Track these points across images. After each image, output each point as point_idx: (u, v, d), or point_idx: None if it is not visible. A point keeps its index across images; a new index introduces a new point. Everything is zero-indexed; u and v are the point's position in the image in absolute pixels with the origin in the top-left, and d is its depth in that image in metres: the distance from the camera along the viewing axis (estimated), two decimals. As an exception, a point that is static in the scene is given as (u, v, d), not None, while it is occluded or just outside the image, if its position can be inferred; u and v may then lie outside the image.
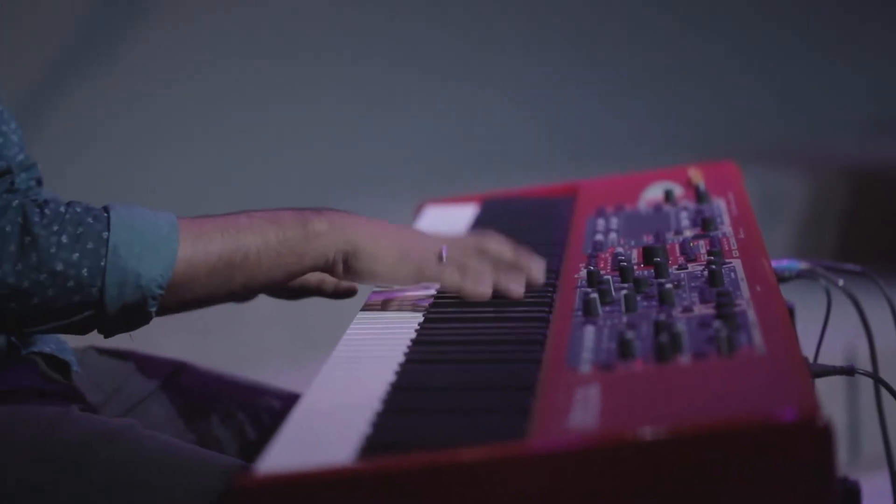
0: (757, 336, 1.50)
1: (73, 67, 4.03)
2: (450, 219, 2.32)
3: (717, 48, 4.90)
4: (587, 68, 4.78)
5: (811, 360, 2.06)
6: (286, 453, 1.38)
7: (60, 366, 1.93)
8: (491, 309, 1.80)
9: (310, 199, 2.17)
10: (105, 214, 1.66)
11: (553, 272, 1.91)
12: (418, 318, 1.78)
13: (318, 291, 2.08)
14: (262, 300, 2.18)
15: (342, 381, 1.58)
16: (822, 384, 1.96)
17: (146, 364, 2.09)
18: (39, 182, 2.06)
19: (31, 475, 1.67)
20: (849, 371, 1.72)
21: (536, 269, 1.84)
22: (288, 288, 2.07)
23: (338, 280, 2.05)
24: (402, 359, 1.63)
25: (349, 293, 2.08)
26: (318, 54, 4.42)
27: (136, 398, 2.03)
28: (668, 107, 4.82)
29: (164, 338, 3.44)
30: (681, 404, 1.36)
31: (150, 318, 1.70)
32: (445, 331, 1.74)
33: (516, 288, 1.81)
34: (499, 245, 1.84)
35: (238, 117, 4.35)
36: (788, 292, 2.15)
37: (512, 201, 2.43)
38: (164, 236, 1.67)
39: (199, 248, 1.70)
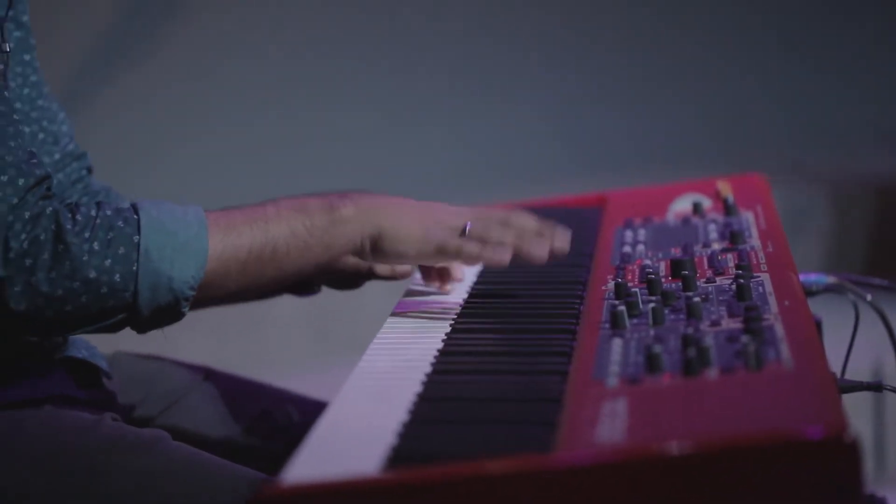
0: (785, 351, 1.49)
1: (92, 65, 4.06)
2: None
3: (745, 61, 4.88)
4: (618, 80, 4.77)
5: (838, 374, 2.06)
6: (312, 463, 1.38)
7: (92, 371, 1.94)
8: (518, 320, 1.80)
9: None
10: (135, 216, 1.66)
11: (580, 284, 1.91)
12: (445, 327, 1.79)
13: (372, 276, 2.06)
14: (286, 303, 2.18)
15: (369, 391, 1.59)
16: (848, 399, 1.95)
17: (173, 370, 2.10)
18: (90, 171, 2.08)
19: (60, 481, 1.69)
20: (876, 387, 1.71)
21: (561, 238, 1.86)
22: (344, 278, 2.05)
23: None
24: (428, 369, 1.63)
25: (405, 275, 2.06)
26: (346, 61, 4.43)
27: (163, 405, 2.03)
28: (697, 119, 4.81)
29: (189, 341, 3.46)
30: (708, 419, 1.36)
31: (183, 316, 1.70)
32: (472, 341, 1.74)
33: (539, 251, 1.82)
34: (523, 217, 1.86)
35: (264, 120, 4.36)
36: (816, 306, 2.15)
37: (540, 211, 2.42)
38: (195, 235, 1.68)
39: (228, 243, 1.70)
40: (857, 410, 3.52)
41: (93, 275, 1.62)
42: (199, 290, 1.68)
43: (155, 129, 4.24)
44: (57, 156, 2.01)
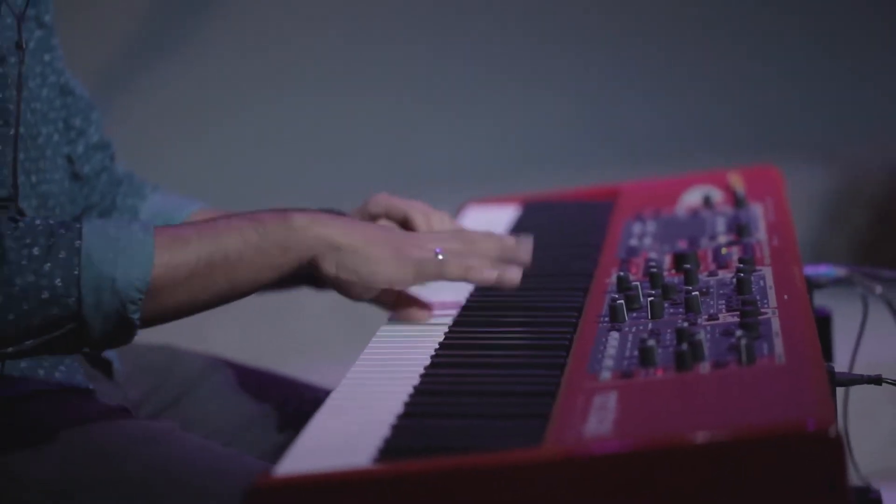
0: (778, 345, 1.50)
1: (104, 66, 4.10)
2: (490, 219, 2.33)
3: (772, 48, 4.86)
4: (641, 69, 4.76)
5: (847, 368, 2.06)
6: (306, 455, 1.41)
7: (103, 364, 1.96)
8: (520, 313, 1.81)
9: (355, 195, 2.19)
10: (77, 225, 1.63)
11: (586, 276, 1.92)
12: (448, 321, 1.80)
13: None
14: (318, 293, 2.19)
15: (368, 385, 1.60)
16: (870, 392, 1.95)
17: (184, 361, 2.11)
18: (112, 158, 2.10)
19: (72, 473, 1.71)
20: (876, 380, 1.71)
21: (524, 250, 1.82)
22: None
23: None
24: (427, 362, 1.65)
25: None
26: (368, 53, 4.45)
27: (173, 396, 2.05)
28: (722, 108, 4.80)
29: (212, 331, 3.49)
30: (695, 413, 1.37)
31: (135, 329, 1.65)
32: (473, 334, 1.75)
33: (512, 276, 1.77)
34: (485, 244, 1.80)
35: (283, 112, 4.39)
36: (827, 299, 2.15)
37: (553, 204, 2.44)
38: (140, 240, 1.64)
39: (176, 250, 1.66)
40: (880, 405, 3.51)
41: (31, 279, 1.59)
42: (148, 298, 1.63)
43: (169, 126, 4.27)
44: (81, 148, 2.04)
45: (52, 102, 1.92)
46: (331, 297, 2.17)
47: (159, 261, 1.64)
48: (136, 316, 1.64)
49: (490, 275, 1.76)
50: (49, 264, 1.60)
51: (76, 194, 2.04)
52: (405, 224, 1.98)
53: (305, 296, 2.17)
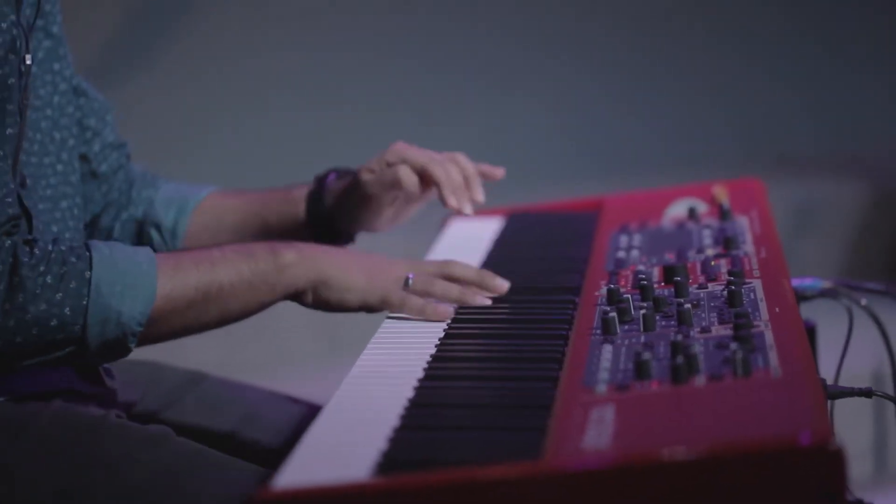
0: (773, 358, 1.50)
1: (101, 66, 4.09)
2: (474, 232, 2.33)
3: (752, 60, 4.88)
4: (625, 81, 4.77)
5: (832, 380, 2.06)
6: (304, 468, 1.40)
7: (92, 371, 1.96)
8: (511, 326, 1.81)
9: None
10: (87, 253, 1.71)
11: (574, 289, 1.92)
12: (439, 333, 1.80)
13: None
14: (295, 305, 2.20)
15: (361, 397, 1.60)
16: (847, 403, 1.96)
17: (166, 374, 2.13)
18: (128, 157, 2.16)
19: (71, 477, 1.71)
20: (867, 393, 1.72)
21: (500, 285, 1.91)
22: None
23: None
24: (420, 375, 1.64)
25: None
26: (352, 60, 4.45)
27: (158, 406, 2.06)
28: (701, 119, 4.81)
29: (192, 344, 3.46)
30: (694, 427, 1.37)
31: (130, 352, 1.75)
32: (465, 347, 1.75)
33: (481, 302, 1.88)
34: (461, 268, 1.91)
35: (279, 116, 4.39)
36: (811, 311, 2.16)
37: (537, 216, 2.44)
38: (144, 273, 1.74)
39: (177, 282, 1.76)
40: (857, 415, 3.52)
41: (43, 307, 1.67)
42: (146, 327, 1.73)
43: (168, 127, 4.27)
44: (97, 147, 2.08)
45: (63, 109, 1.95)
46: (305, 312, 2.18)
47: (161, 292, 1.75)
48: (133, 344, 1.75)
49: (444, 313, 1.85)
50: (60, 294, 1.69)
51: (94, 192, 2.09)
52: (423, 174, 2.06)
53: (283, 309, 2.17)
